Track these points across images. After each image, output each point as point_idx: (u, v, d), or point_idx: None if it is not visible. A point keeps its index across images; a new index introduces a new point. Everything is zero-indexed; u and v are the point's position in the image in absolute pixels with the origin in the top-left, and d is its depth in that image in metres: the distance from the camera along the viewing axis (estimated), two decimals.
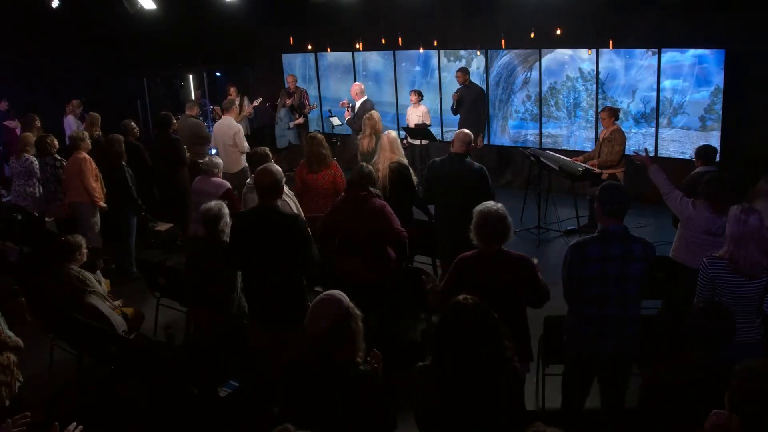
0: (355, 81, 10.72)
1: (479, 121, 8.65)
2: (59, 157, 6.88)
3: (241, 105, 9.53)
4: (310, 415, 2.48)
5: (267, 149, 5.68)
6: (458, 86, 8.71)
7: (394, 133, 5.81)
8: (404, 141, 8.81)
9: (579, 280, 3.35)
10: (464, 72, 8.72)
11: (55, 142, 6.98)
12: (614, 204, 3.30)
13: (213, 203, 4.45)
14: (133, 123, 7.65)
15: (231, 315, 4.32)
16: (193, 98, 11.65)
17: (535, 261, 3.48)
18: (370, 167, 4.62)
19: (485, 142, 9.28)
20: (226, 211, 4.41)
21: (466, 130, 5.33)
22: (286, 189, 4.97)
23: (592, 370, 3.53)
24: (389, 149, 5.59)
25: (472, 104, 8.62)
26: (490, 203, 3.47)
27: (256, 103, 10.22)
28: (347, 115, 8.74)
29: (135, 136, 7.56)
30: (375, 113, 6.84)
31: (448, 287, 3.43)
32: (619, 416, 3.50)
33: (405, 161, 5.69)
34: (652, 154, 7.31)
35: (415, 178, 5.68)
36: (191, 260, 4.54)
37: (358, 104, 8.58)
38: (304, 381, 2.54)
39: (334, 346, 2.50)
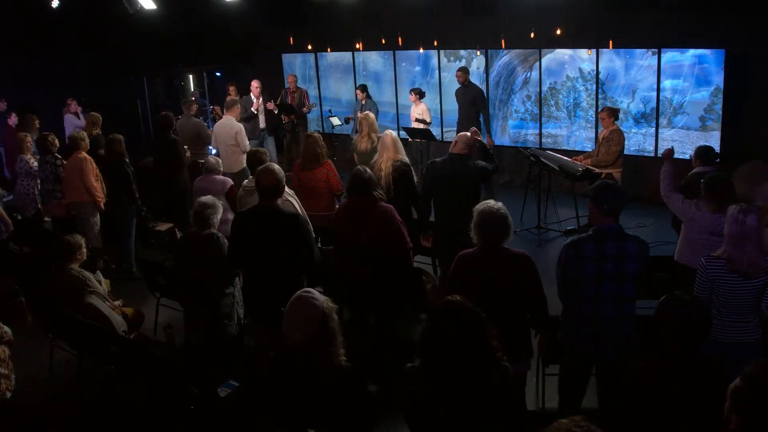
0: (355, 81, 10.74)
1: (472, 123, 8.37)
2: (59, 156, 6.89)
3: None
4: (294, 411, 2.50)
5: (265, 150, 5.69)
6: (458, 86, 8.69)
7: (395, 133, 5.81)
8: (408, 141, 8.85)
9: (574, 280, 3.35)
10: (464, 72, 8.68)
11: (56, 141, 6.99)
12: (610, 203, 3.30)
13: (208, 196, 4.56)
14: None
15: (209, 309, 4.33)
16: (191, 97, 11.61)
17: None
18: (369, 171, 4.42)
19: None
20: (219, 205, 4.48)
21: (469, 134, 5.32)
22: (287, 188, 4.99)
23: (588, 370, 3.52)
24: (392, 148, 5.55)
25: (470, 105, 8.56)
26: (491, 202, 3.46)
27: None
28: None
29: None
30: (371, 114, 6.85)
31: (450, 287, 3.43)
32: (616, 416, 3.49)
33: (407, 160, 5.68)
34: (659, 155, 7.25)
35: (415, 178, 5.69)
36: (177, 256, 4.64)
37: (259, 101, 9.55)
38: (287, 379, 2.56)
39: (317, 349, 2.52)
